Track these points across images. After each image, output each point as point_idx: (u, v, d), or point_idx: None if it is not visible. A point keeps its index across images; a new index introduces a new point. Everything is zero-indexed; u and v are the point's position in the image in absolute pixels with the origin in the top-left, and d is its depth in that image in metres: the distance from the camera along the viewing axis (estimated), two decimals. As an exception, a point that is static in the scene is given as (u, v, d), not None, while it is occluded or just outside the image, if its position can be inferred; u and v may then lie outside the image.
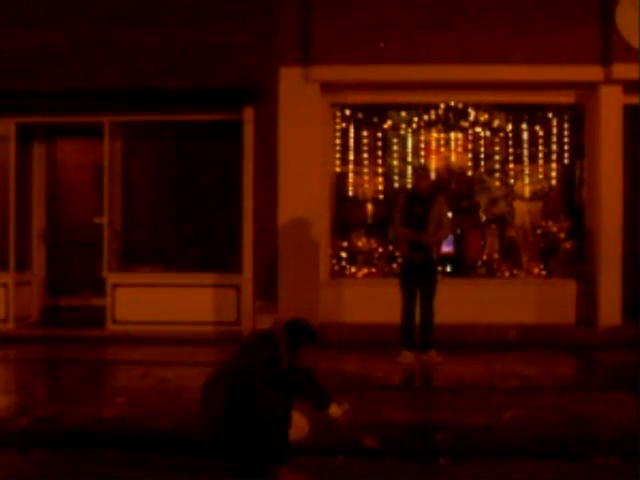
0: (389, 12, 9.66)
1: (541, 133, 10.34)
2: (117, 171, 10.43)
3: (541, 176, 10.38)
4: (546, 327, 9.66)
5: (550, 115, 10.33)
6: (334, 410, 4.85)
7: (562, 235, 10.27)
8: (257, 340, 4.87)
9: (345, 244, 10.33)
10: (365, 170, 10.43)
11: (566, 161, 10.36)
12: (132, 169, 10.62)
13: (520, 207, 10.40)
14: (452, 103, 10.25)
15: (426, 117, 10.33)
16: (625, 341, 9.16)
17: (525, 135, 10.35)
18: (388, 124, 10.37)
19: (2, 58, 9.92)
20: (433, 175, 10.25)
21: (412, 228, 8.27)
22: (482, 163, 10.39)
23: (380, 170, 10.40)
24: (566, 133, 10.34)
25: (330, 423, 4.90)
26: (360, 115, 10.36)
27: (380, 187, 10.39)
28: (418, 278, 8.31)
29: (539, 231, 10.32)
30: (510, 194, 10.41)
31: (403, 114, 10.34)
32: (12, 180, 10.27)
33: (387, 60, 9.60)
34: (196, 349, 9.09)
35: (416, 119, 10.34)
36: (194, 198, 10.33)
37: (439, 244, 8.60)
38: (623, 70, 9.50)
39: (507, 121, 10.35)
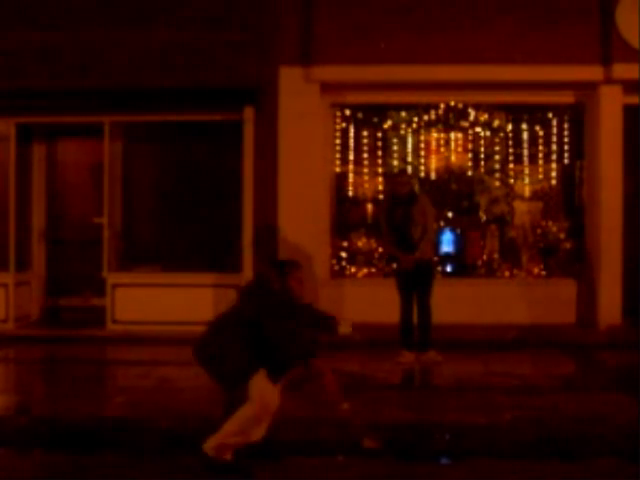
0: (389, 12, 9.66)
1: (541, 133, 10.34)
2: (117, 171, 10.43)
3: (541, 176, 10.38)
4: (546, 327, 9.66)
5: (550, 115, 10.33)
6: (343, 329, 5.02)
7: (562, 235, 10.28)
8: (249, 285, 5.54)
9: (345, 244, 10.33)
10: (365, 170, 10.43)
11: (566, 161, 10.36)
12: (132, 169, 10.61)
13: (520, 207, 10.40)
14: (452, 103, 10.25)
15: (426, 117, 10.33)
16: (625, 341, 9.15)
17: (525, 135, 10.34)
18: (388, 124, 10.36)
19: (2, 58, 9.93)
20: (433, 175, 10.28)
21: (396, 232, 8.25)
22: (482, 163, 10.39)
23: (380, 170, 10.40)
24: (566, 133, 10.34)
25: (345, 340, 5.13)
26: (360, 115, 10.36)
27: (380, 187, 10.39)
28: (414, 278, 8.30)
29: (539, 231, 10.33)
30: (510, 194, 10.41)
31: (403, 114, 10.34)
32: (12, 180, 10.27)
33: (387, 60, 9.60)
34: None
35: (416, 119, 10.33)
36: (194, 198, 10.33)
37: (428, 250, 8.54)
38: (623, 70, 9.50)
39: (507, 121, 10.35)
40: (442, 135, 10.35)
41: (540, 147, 10.34)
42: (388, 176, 10.09)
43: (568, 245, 10.25)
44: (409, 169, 10.18)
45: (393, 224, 8.27)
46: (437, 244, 9.88)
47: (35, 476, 5.08)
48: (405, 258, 8.19)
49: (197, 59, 9.84)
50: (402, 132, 10.35)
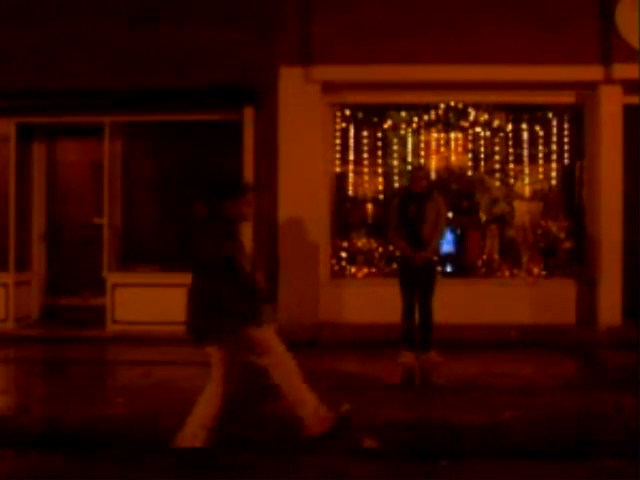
0: (389, 12, 9.67)
1: (541, 133, 10.34)
2: (117, 171, 10.44)
3: (541, 176, 10.38)
4: (546, 327, 9.66)
5: (550, 115, 10.33)
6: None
7: (562, 235, 10.28)
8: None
9: (345, 244, 10.33)
10: (365, 170, 10.43)
11: (566, 161, 10.36)
12: (132, 169, 10.62)
13: (520, 207, 10.40)
14: (452, 103, 10.25)
15: (426, 117, 10.33)
16: (625, 341, 9.16)
17: (525, 135, 10.35)
18: (388, 124, 10.36)
19: (2, 58, 9.92)
20: (433, 175, 10.27)
21: (407, 228, 8.26)
22: (482, 163, 10.39)
23: (380, 170, 10.40)
24: (566, 133, 10.34)
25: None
26: (360, 115, 10.36)
27: (380, 187, 10.39)
28: (417, 278, 8.31)
29: (539, 231, 10.32)
30: (510, 194, 10.41)
31: (403, 114, 10.34)
32: (12, 180, 10.28)
33: (387, 60, 9.60)
34: (196, 349, 9.05)
35: (416, 119, 10.33)
36: (194, 198, 10.29)
37: (437, 250, 8.58)
38: (623, 70, 9.51)
39: (507, 121, 10.35)
40: (442, 135, 10.35)
41: (540, 147, 10.34)
42: (406, 172, 10.06)
43: (568, 245, 10.25)
44: (409, 168, 10.18)
45: (405, 220, 8.26)
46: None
47: (34, 476, 5.08)
48: (416, 255, 8.19)
49: (197, 59, 9.83)
50: (402, 132, 10.36)
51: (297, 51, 9.74)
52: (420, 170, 9.11)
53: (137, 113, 10.06)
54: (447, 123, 10.34)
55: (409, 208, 8.26)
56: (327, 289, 9.95)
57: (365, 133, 10.39)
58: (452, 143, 10.37)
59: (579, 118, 10.23)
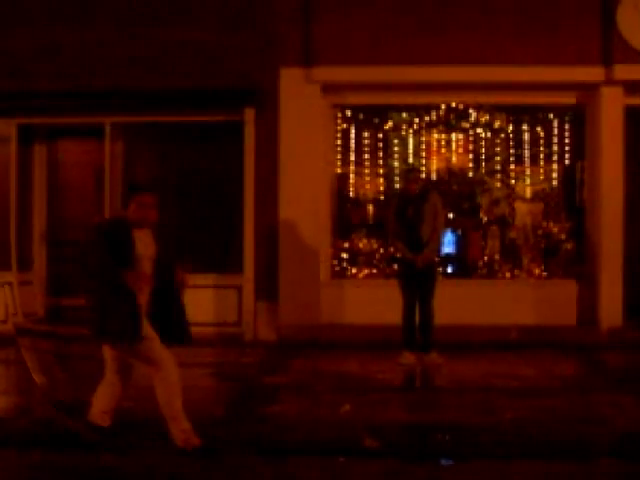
0: (390, 13, 9.67)
1: (542, 134, 10.34)
2: (118, 172, 10.44)
3: (542, 177, 10.37)
4: (547, 328, 9.65)
5: (551, 116, 10.33)
6: None
7: (563, 236, 10.27)
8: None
9: (346, 245, 10.32)
10: (366, 171, 10.42)
11: (567, 162, 10.36)
12: (133, 170, 10.61)
13: (521, 208, 10.39)
14: (453, 104, 10.24)
15: (427, 118, 10.32)
16: (626, 342, 9.16)
17: (526, 136, 10.34)
18: (389, 125, 10.36)
19: (3, 58, 9.93)
20: (434, 176, 10.27)
21: (406, 230, 8.26)
22: (483, 164, 10.38)
23: (381, 171, 10.40)
24: (567, 134, 10.34)
25: None
26: (361, 116, 10.36)
27: (381, 188, 10.39)
28: (418, 279, 8.30)
29: (540, 232, 10.32)
30: (511, 195, 10.41)
31: (404, 115, 10.34)
32: (13, 180, 10.28)
33: (388, 61, 9.60)
34: (196, 349, 9.04)
35: (417, 120, 10.33)
36: (195, 199, 10.32)
37: (437, 250, 8.58)
38: (624, 71, 9.50)
39: (508, 122, 10.34)
40: (443, 136, 10.35)
41: (541, 148, 10.33)
42: (400, 174, 10.07)
43: (569, 246, 10.24)
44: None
45: (404, 222, 8.25)
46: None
47: (35, 476, 5.07)
48: (416, 257, 8.18)
49: (198, 60, 9.84)
50: (403, 133, 10.35)
51: (298, 52, 9.73)
52: (414, 171, 9.09)
53: (138, 114, 10.05)
54: (448, 124, 10.34)
55: (407, 210, 8.26)
56: (328, 290, 9.95)
57: (366, 134, 10.39)
58: (453, 144, 10.36)
59: (580, 119, 10.22)
